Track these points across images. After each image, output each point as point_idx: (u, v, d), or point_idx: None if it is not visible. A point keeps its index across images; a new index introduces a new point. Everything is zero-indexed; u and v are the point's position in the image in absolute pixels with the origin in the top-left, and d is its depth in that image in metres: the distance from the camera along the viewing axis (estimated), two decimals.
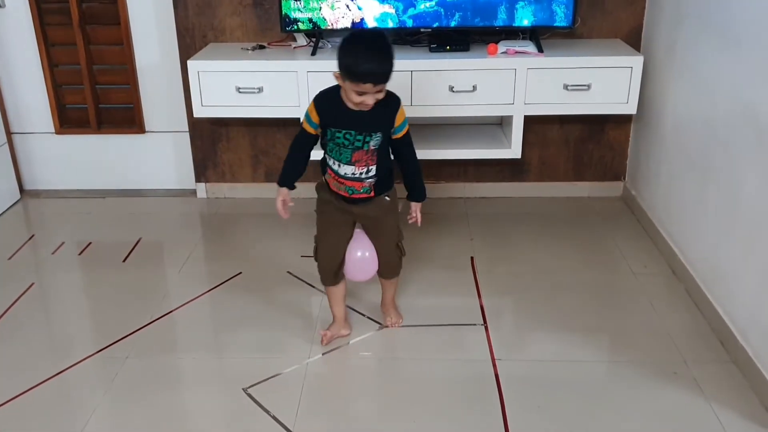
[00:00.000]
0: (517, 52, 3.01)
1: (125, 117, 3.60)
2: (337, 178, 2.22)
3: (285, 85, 3.02)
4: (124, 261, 3.07)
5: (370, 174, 2.20)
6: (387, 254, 2.39)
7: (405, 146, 2.25)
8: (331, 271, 2.38)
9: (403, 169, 2.30)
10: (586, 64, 2.98)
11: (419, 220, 2.35)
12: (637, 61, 2.98)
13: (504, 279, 2.87)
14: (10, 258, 3.09)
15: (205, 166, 3.61)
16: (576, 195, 3.58)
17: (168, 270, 3.04)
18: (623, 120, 3.43)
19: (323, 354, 2.41)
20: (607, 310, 2.65)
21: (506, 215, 3.43)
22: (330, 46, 3.19)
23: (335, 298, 2.46)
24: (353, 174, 2.19)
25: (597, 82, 3.00)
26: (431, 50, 3.07)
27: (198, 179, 3.64)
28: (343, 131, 2.13)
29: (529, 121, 3.22)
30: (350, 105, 2.10)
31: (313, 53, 3.08)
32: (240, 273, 2.92)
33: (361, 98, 2.04)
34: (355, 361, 2.41)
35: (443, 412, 2.15)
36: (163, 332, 2.57)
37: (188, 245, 3.20)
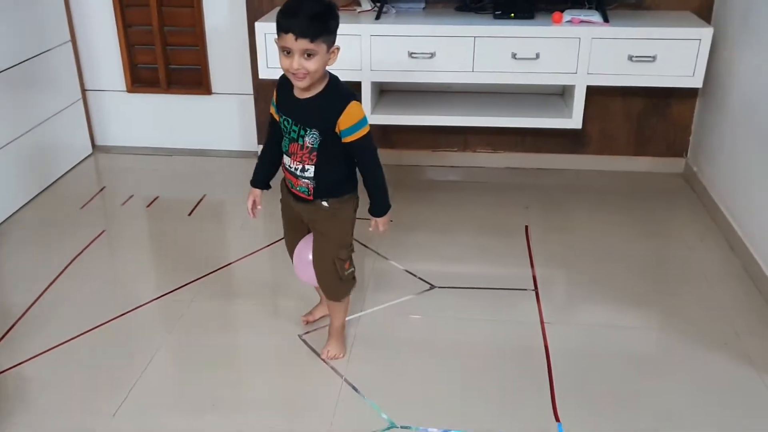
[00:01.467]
0: (581, 21, 2.99)
1: (193, 78, 3.71)
2: (284, 166, 2.04)
3: (348, 49, 3.07)
4: (189, 215, 3.20)
5: (306, 174, 1.96)
6: (319, 269, 2.10)
7: (358, 152, 1.96)
8: (291, 257, 2.24)
9: (362, 177, 2.03)
10: (652, 35, 2.94)
11: (381, 230, 2.09)
12: (706, 33, 2.92)
13: (557, 248, 2.88)
14: (82, 207, 3.25)
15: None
16: (636, 170, 3.54)
17: (230, 225, 3.16)
18: (688, 94, 3.37)
19: (374, 309, 2.48)
20: (659, 282, 2.64)
21: (563, 187, 3.42)
22: (394, 11, 3.22)
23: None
24: (289, 166, 2.00)
25: (663, 53, 2.95)
26: (495, 17, 3.07)
27: (260, 141, 3.74)
28: (283, 117, 1.96)
29: (591, 93, 3.19)
30: (296, 90, 1.91)
31: (377, 18, 3.12)
32: None
33: (287, 61, 1.81)
34: (404, 318, 2.47)
35: (489, 371, 2.20)
36: (225, 280, 2.68)
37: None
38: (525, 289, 2.60)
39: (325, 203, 2.00)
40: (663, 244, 2.89)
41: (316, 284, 2.17)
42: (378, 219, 2.06)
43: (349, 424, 1.98)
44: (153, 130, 3.83)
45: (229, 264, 2.78)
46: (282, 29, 1.79)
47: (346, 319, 2.28)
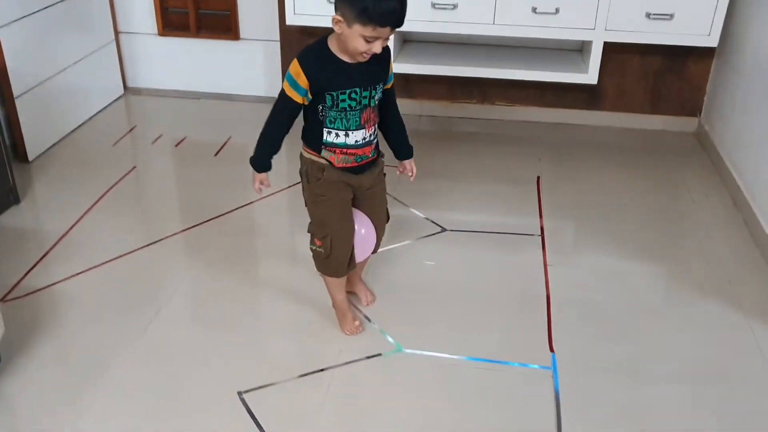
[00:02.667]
0: None
1: (222, 23, 3.82)
2: (345, 150, 1.90)
3: None
4: (215, 155, 3.35)
5: (373, 134, 1.94)
6: (382, 224, 2.13)
7: (392, 96, 1.99)
8: (345, 262, 2.05)
9: (389, 124, 2.02)
10: None
11: (414, 174, 2.13)
12: None
13: (567, 198, 2.98)
14: (114, 145, 3.41)
15: None
16: (650, 127, 3.61)
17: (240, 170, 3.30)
18: (705, 54, 3.42)
19: (387, 248, 2.62)
20: (662, 233, 2.74)
21: (578, 141, 3.51)
22: None
23: (352, 282, 2.28)
24: (364, 139, 1.90)
25: (680, 11, 3.01)
26: None
27: None
28: (348, 91, 1.81)
29: (609, 50, 3.26)
30: (345, 58, 1.79)
31: None
32: None
33: (369, 46, 1.72)
34: (415, 257, 2.60)
35: (492, 306, 2.34)
36: (247, 218, 2.84)
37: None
38: (532, 235, 2.72)
39: (382, 158, 2.03)
40: (670, 199, 2.99)
41: (367, 256, 2.15)
42: (411, 160, 2.12)
43: (360, 347, 2.14)
44: (182, 74, 3.96)
45: (251, 203, 2.93)
46: (378, 22, 1.67)
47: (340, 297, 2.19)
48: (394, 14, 1.68)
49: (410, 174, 2.12)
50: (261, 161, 1.98)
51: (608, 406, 1.93)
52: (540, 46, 3.48)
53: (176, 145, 3.43)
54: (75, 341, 2.16)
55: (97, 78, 3.72)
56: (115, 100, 3.90)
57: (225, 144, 3.45)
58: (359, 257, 2.09)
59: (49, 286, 2.39)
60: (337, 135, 1.87)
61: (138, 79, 4.03)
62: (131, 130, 3.59)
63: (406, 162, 2.11)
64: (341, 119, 1.85)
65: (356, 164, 1.93)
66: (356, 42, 1.71)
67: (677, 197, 3.01)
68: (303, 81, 1.79)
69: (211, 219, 2.80)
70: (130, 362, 2.07)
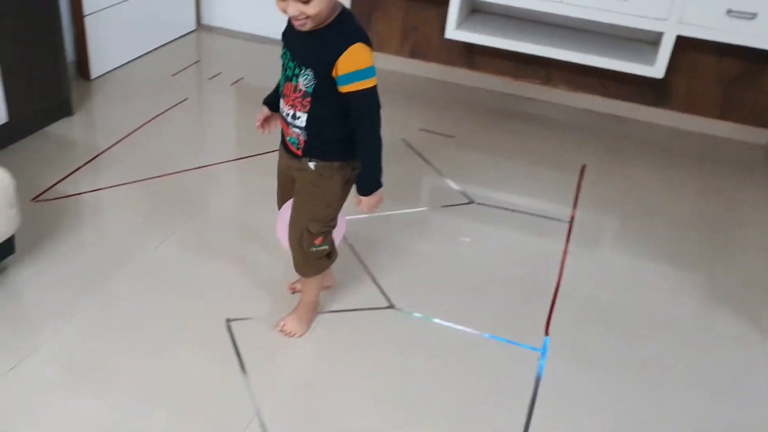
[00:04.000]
0: None
1: None
2: (280, 109, 1.77)
3: None
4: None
5: (297, 123, 1.67)
6: (290, 235, 1.84)
7: (354, 107, 1.62)
8: None
9: (356, 143, 1.69)
10: None
11: (365, 207, 1.75)
12: None
13: (607, 192, 2.87)
14: (173, 75, 3.50)
15: None
16: (716, 134, 3.42)
17: None
18: None
19: (407, 210, 2.60)
20: (700, 243, 2.60)
21: (634, 137, 3.37)
22: None
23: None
24: (282, 110, 1.72)
25: (764, 11, 2.82)
26: None
27: None
28: (284, 50, 1.68)
29: (684, 47, 3.11)
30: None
31: None
32: None
33: (282, 5, 1.52)
34: (435, 223, 2.57)
35: (500, 282, 2.29)
36: None
37: None
38: (560, 221, 2.64)
39: (311, 164, 1.72)
40: (720, 210, 2.83)
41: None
42: (363, 198, 1.72)
43: (354, 300, 2.14)
44: (255, 18, 4.01)
45: None
46: None
47: (319, 298, 2.02)
48: None
49: (361, 207, 1.75)
50: (265, 97, 1.87)
51: (585, 400, 1.87)
52: (613, 33, 3.34)
53: (232, 84, 3.49)
54: (87, 248, 2.25)
55: (171, 10, 3.81)
56: (186, 35, 3.99)
57: None
58: (280, 235, 1.97)
59: (78, 194, 2.50)
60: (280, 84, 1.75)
61: (212, 17, 4.11)
62: (194, 63, 3.67)
63: (357, 198, 1.74)
64: (281, 71, 1.71)
65: (282, 135, 1.77)
66: (276, 2, 1.53)
67: (729, 210, 2.84)
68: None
69: (248, 156, 2.85)
70: (130, 277, 2.14)
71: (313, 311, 2.00)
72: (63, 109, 2.94)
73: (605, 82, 3.50)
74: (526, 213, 2.67)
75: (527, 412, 1.80)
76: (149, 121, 3.03)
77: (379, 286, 2.19)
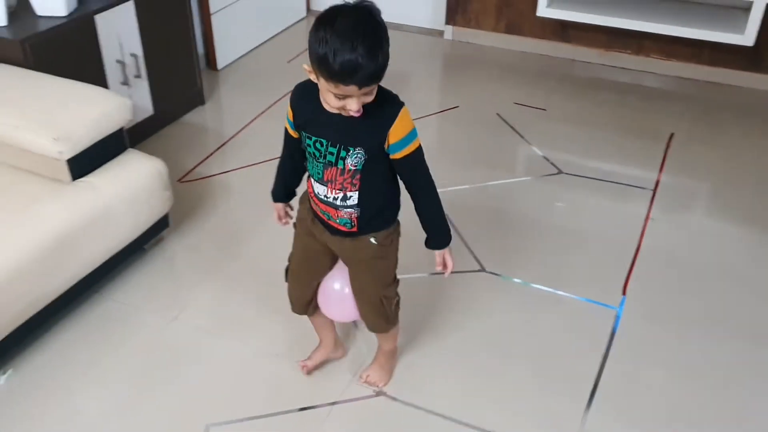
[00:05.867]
0: None
1: None
2: (312, 195, 1.66)
3: None
4: None
5: (349, 203, 1.60)
6: (364, 308, 1.79)
7: (410, 171, 1.59)
8: (299, 302, 1.88)
9: (414, 203, 1.65)
10: None
11: (449, 269, 1.71)
12: None
13: (695, 159, 3.01)
14: (288, 61, 3.88)
15: (455, 11, 4.03)
16: None
17: (401, 91, 3.61)
18: None
19: (498, 182, 2.85)
20: None
21: (728, 103, 3.44)
22: None
23: (317, 324, 1.97)
24: (326, 197, 1.61)
25: None
26: None
27: (447, 21, 4.09)
28: (314, 138, 1.55)
29: None
30: (327, 106, 1.48)
31: None
32: (457, 107, 3.41)
33: (341, 103, 1.42)
34: (524, 193, 2.81)
35: (581, 246, 2.52)
36: None
37: (424, 76, 3.75)
38: (644, 188, 2.81)
39: (373, 240, 1.66)
40: None
41: (352, 319, 1.91)
42: (443, 251, 1.70)
43: None
44: None
45: None
46: (336, 79, 1.37)
47: (397, 344, 2.00)
48: (354, 70, 1.34)
49: (441, 269, 1.72)
50: (274, 187, 1.80)
51: (656, 356, 2.08)
52: (704, 1, 3.40)
53: None
54: (224, 220, 2.66)
55: (283, 0, 4.18)
56: (298, 21, 4.36)
57: None
58: (328, 312, 1.86)
59: (212, 175, 2.92)
60: (310, 176, 1.64)
61: (320, 3, 4.45)
62: (305, 50, 4.01)
63: (436, 253, 1.71)
64: (311, 162, 1.61)
65: (324, 219, 1.67)
66: (327, 96, 1.43)
67: None
68: (290, 113, 1.60)
69: None
70: (262, 242, 2.53)
71: (393, 358, 2.01)
72: (196, 99, 3.38)
73: (697, 50, 3.57)
74: (612, 181, 2.86)
75: (600, 364, 2.05)
76: (269, 107, 3.42)
77: (471, 251, 2.48)
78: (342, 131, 1.51)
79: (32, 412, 1.89)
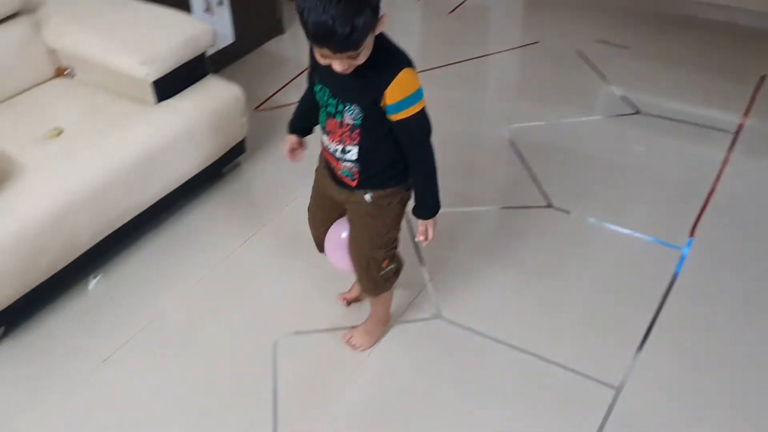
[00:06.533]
0: None
1: None
2: (322, 142, 1.66)
3: None
4: (450, 12, 3.68)
5: (348, 156, 1.58)
6: (355, 264, 1.78)
7: (407, 136, 1.54)
8: (320, 243, 1.89)
9: (410, 167, 1.61)
10: None
11: (429, 238, 1.66)
12: None
13: None
14: None
15: None
16: None
17: (480, 25, 3.58)
18: None
19: (573, 120, 2.82)
20: None
21: None
22: None
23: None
24: (328, 146, 1.61)
25: None
26: None
27: None
28: (319, 86, 1.54)
29: None
30: None
31: None
32: (536, 42, 3.35)
33: (326, 60, 1.38)
34: (597, 132, 2.78)
35: (654, 183, 2.49)
36: (474, 71, 3.18)
37: (504, 11, 3.71)
38: (725, 131, 2.73)
39: (367, 197, 1.64)
40: None
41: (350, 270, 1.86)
42: (426, 221, 1.65)
43: (515, 200, 2.45)
44: None
45: (479, 57, 3.25)
46: (312, 40, 1.33)
47: (390, 313, 1.99)
48: (325, 35, 1.29)
49: (422, 239, 1.67)
50: (291, 121, 1.73)
51: (718, 301, 2.05)
52: None
53: (417, 1, 3.80)
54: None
55: None
56: None
57: (460, 4, 3.75)
58: (331, 258, 1.86)
59: (289, 104, 2.99)
60: (320, 121, 1.62)
61: None
62: None
63: (420, 221, 1.66)
64: (321, 110, 1.58)
65: (331, 168, 1.68)
66: (317, 55, 1.39)
67: None
68: (310, 57, 1.51)
69: (430, 69, 3.18)
70: None
71: (383, 325, 1.98)
72: (276, 28, 3.45)
73: None
74: (693, 123, 2.79)
75: (659, 304, 2.05)
76: None
77: (539, 186, 2.49)
78: (341, 85, 1.48)
79: (117, 313, 2.06)
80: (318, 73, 1.51)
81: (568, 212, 2.38)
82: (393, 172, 1.61)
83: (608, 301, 2.06)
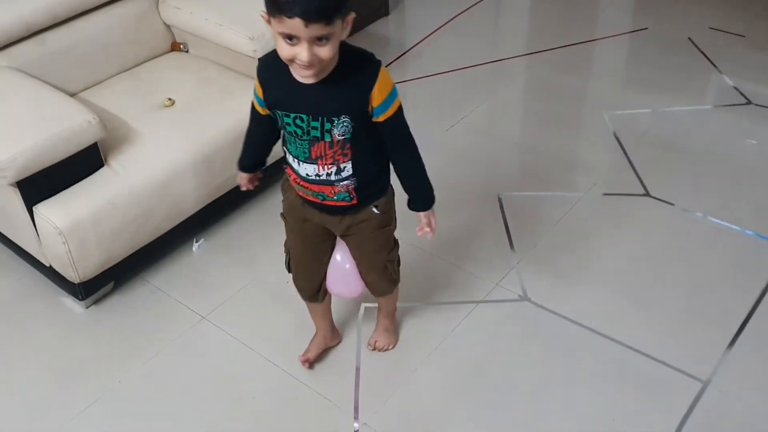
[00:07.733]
0: None
1: None
2: (298, 180, 1.54)
3: None
4: None
5: (344, 175, 1.49)
6: (369, 276, 1.74)
7: (394, 133, 1.49)
8: (308, 291, 1.79)
9: (395, 167, 1.56)
10: None
11: (433, 230, 1.62)
12: None
13: None
14: None
15: None
16: None
17: (588, 9, 3.51)
18: None
19: (677, 108, 2.73)
20: None
21: None
22: None
23: (316, 313, 1.88)
24: (318, 176, 1.50)
25: None
26: None
27: None
28: (292, 115, 1.42)
29: None
30: (297, 75, 1.37)
31: None
32: (646, 28, 3.25)
33: (292, 51, 1.27)
34: (709, 122, 2.67)
35: (755, 180, 2.39)
36: (581, 55, 3.14)
37: None
38: None
39: (375, 209, 1.59)
40: None
41: (358, 294, 1.80)
42: (429, 212, 1.61)
43: (612, 187, 2.41)
44: None
45: (587, 41, 3.20)
46: (280, 11, 1.22)
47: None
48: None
49: (428, 230, 1.62)
50: (240, 159, 1.69)
51: None
52: None
53: None
54: None
55: None
56: None
57: None
58: (333, 290, 1.78)
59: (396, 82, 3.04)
60: (292, 159, 1.52)
61: None
62: None
63: (421, 214, 1.61)
64: (292, 143, 1.49)
65: (318, 201, 1.56)
66: (280, 46, 1.29)
67: None
68: (259, 89, 1.48)
69: (537, 51, 3.15)
70: (430, 153, 2.62)
71: (395, 318, 1.97)
72: (381, 10, 3.50)
73: None
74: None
75: (755, 301, 1.97)
76: (452, 19, 3.47)
77: (637, 175, 2.43)
78: (321, 102, 1.39)
79: (216, 275, 2.18)
80: (285, 105, 1.42)
81: (667, 203, 2.31)
82: (385, 175, 1.59)
83: (703, 294, 2.01)
